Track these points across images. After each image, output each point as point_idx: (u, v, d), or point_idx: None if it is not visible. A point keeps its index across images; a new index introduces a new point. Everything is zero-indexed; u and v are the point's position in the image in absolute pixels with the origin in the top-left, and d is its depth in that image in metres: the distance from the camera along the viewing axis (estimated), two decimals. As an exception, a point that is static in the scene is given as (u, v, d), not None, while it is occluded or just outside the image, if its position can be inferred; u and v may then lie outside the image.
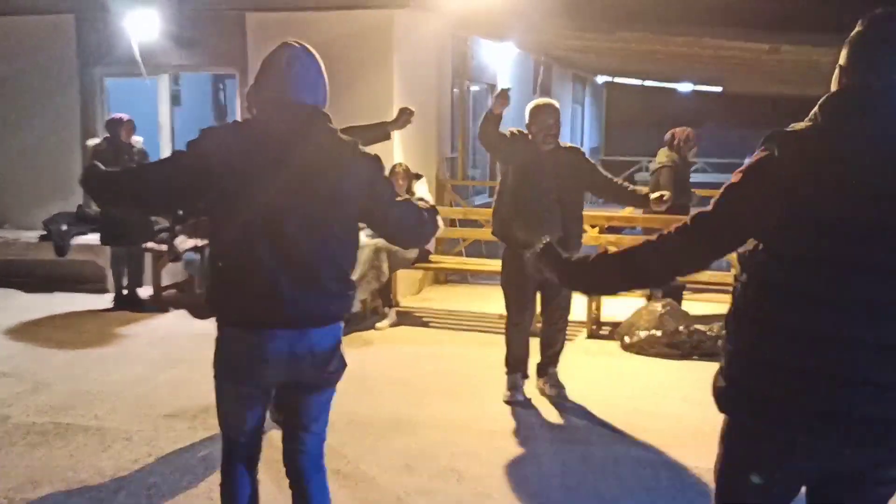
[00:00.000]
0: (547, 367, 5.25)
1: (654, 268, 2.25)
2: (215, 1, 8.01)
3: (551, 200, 4.83)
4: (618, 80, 19.99)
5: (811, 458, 2.04)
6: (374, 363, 5.97)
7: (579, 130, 19.44)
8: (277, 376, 2.69)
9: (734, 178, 2.07)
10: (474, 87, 10.76)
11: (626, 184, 5.32)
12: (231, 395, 2.76)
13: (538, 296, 5.13)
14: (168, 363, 5.79)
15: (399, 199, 2.81)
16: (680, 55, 9.25)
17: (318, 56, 2.71)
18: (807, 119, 2.02)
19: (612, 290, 2.51)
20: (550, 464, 4.28)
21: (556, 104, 5.12)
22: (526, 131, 4.96)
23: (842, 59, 2.07)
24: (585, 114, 20.08)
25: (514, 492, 3.93)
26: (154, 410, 4.91)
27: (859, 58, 2.03)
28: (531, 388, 5.26)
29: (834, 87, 2.06)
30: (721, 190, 2.09)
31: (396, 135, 7.99)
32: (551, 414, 4.98)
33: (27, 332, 6.71)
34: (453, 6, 8.01)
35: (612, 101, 22.74)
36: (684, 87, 19.44)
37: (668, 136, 7.48)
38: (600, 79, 20.08)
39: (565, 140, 5.19)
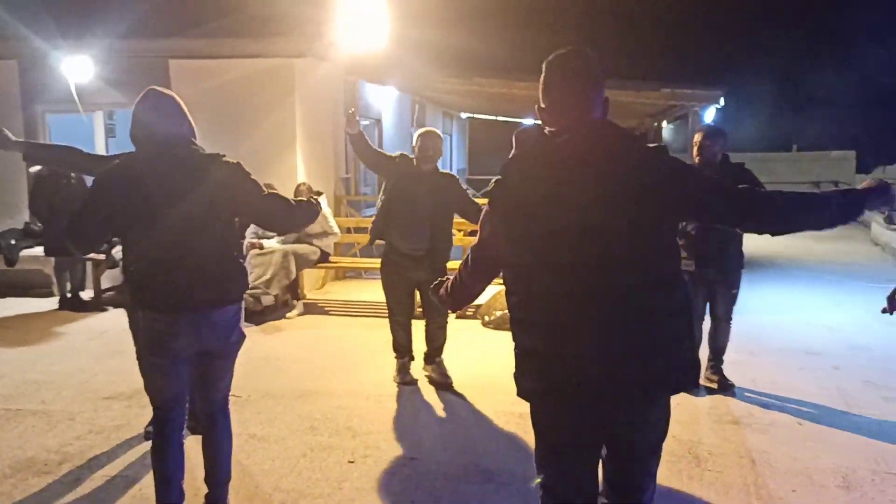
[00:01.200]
0: (433, 357, 4.94)
1: (461, 294, 2.34)
2: (141, 49, 7.62)
3: (423, 215, 4.60)
4: (478, 115, 20.28)
5: (565, 420, 2.01)
6: (284, 346, 5.84)
7: (448, 156, 19.59)
8: (189, 347, 2.73)
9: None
10: (363, 122, 10.67)
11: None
12: (154, 366, 2.79)
13: (417, 294, 4.88)
14: (107, 355, 5.46)
15: (266, 193, 2.85)
16: (522, 97, 9.46)
17: (176, 98, 2.78)
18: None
19: (455, 308, 2.56)
20: (427, 419, 4.30)
21: (439, 133, 4.90)
22: (412, 155, 4.79)
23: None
24: (453, 142, 20.26)
25: (396, 441, 3.92)
26: (95, 394, 4.63)
27: (552, 97, 1.99)
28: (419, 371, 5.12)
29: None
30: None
31: (300, 159, 7.88)
32: (423, 379, 4.99)
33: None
34: (343, 57, 7.94)
35: (473, 133, 23.06)
36: (527, 120, 19.93)
37: None
38: (464, 115, 20.32)
39: (438, 163, 5.04)
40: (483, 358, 5.53)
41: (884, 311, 2.76)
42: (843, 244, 11.57)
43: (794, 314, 6.89)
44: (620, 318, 1.89)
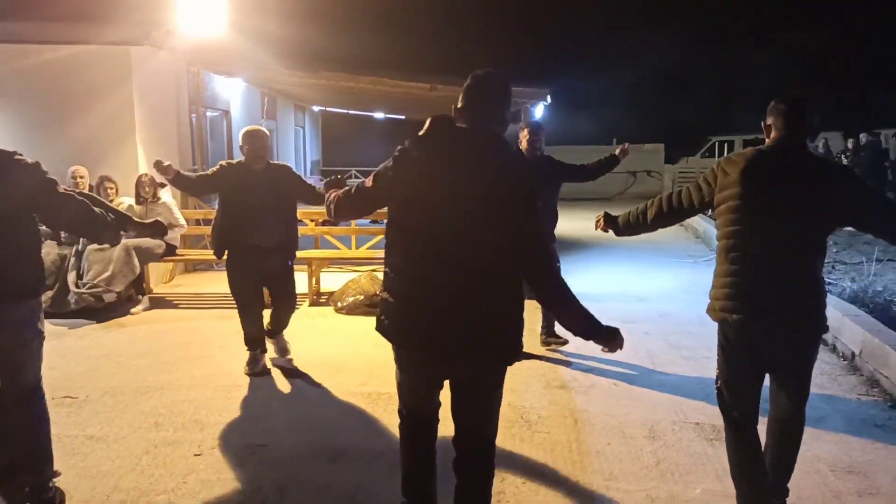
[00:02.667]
0: (274, 333, 4.86)
1: (341, 216, 2.55)
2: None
3: (271, 210, 4.47)
4: (329, 109, 19.89)
5: (425, 367, 2.37)
6: (127, 342, 5.42)
7: (302, 148, 19.06)
8: None
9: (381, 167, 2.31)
10: (210, 113, 10.10)
11: (322, 190, 5.16)
12: None
13: (265, 289, 4.82)
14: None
15: (69, 201, 2.75)
16: (369, 91, 9.40)
17: None
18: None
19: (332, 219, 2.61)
20: (276, 406, 4.17)
21: (265, 130, 4.71)
22: (234, 161, 4.67)
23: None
24: (306, 135, 19.73)
25: (246, 430, 3.77)
26: None
27: (468, 101, 2.33)
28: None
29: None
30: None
31: (141, 150, 7.31)
32: (276, 363, 4.84)
33: None
34: (183, 46, 7.45)
35: (326, 125, 22.62)
36: (378, 114, 19.83)
37: None
38: (316, 107, 19.84)
39: (291, 156, 5.03)
40: (335, 342, 5.46)
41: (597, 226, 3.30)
42: (654, 225, 12.59)
43: (611, 287, 7.40)
44: (474, 289, 2.22)
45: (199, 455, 3.45)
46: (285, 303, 4.76)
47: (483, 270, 2.22)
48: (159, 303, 6.74)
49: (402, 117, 19.85)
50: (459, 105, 2.33)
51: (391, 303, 2.31)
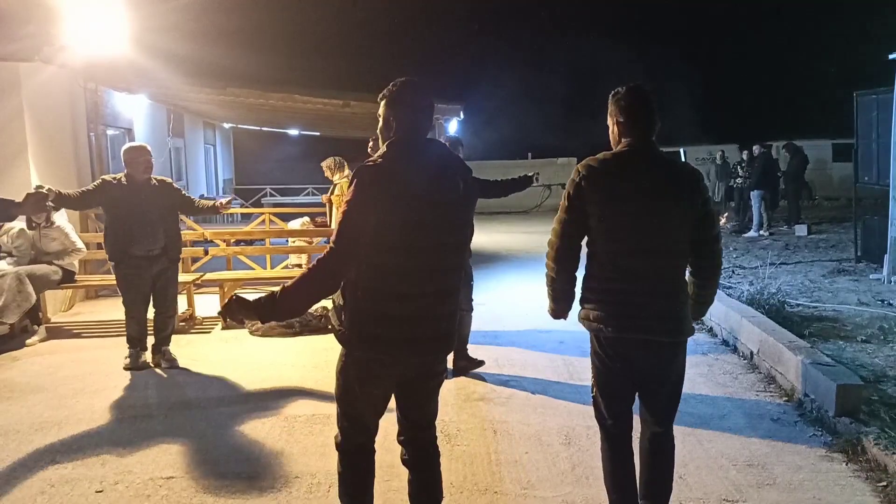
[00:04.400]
0: (160, 346, 5.24)
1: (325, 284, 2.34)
2: None
3: (153, 219, 4.94)
4: (242, 126, 19.45)
5: (396, 369, 2.39)
6: (20, 376, 5.08)
7: (212, 166, 18.52)
8: None
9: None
10: (111, 131, 9.67)
11: (201, 201, 5.65)
12: None
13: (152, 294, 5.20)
14: None
15: None
16: (281, 108, 9.28)
17: None
18: (377, 156, 2.30)
19: (294, 314, 2.47)
20: (187, 433, 3.97)
21: (147, 146, 5.12)
22: (117, 176, 5.04)
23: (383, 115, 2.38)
24: (218, 153, 19.19)
25: (154, 463, 3.59)
26: None
27: (399, 117, 2.34)
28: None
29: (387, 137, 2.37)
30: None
31: (34, 170, 6.92)
32: (186, 392, 4.67)
33: None
34: (77, 62, 7.11)
35: (238, 143, 22.10)
36: (293, 131, 19.56)
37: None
38: (227, 125, 19.36)
39: (201, 174, 5.22)
40: (249, 365, 5.31)
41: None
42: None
43: (527, 298, 7.55)
44: (439, 288, 2.35)
45: (100, 492, 3.27)
46: (164, 308, 5.19)
47: (446, 270, 2.36)
48: (57, 333, 6.36)
49: (317, 134, 19.67)
50: (392, 120, 2.36)
51: (362, 311, 2.31)
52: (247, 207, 17.33)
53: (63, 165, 7.58)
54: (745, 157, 13.60)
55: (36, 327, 6.22)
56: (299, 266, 8.41)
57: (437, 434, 2.60)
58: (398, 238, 2.22)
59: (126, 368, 5.12)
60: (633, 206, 2.47)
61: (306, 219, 9.69)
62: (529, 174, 5.29)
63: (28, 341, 5.97)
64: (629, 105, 2.54)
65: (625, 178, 2.50)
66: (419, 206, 2.23)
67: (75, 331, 6.50)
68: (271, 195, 21.05)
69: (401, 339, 2.30)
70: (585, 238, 2.61)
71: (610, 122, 2.63)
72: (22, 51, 6.43)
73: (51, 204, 4.36)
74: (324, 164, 8.02)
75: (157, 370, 5.18)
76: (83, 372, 5.16)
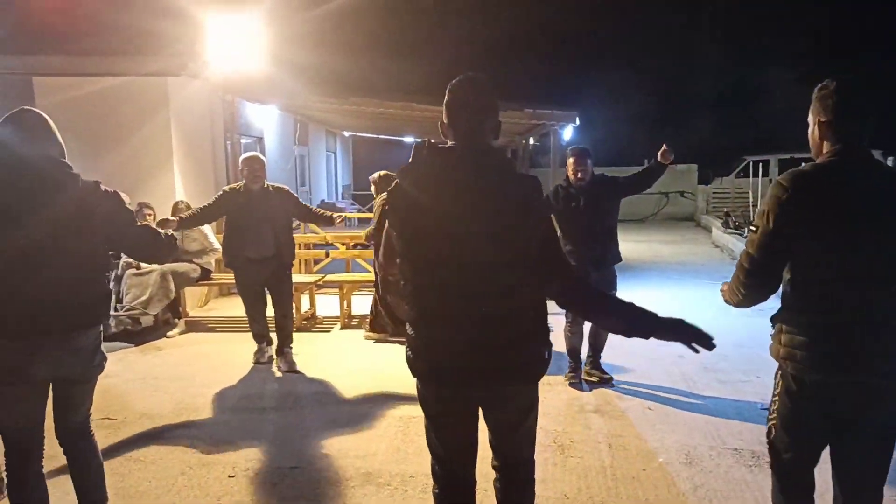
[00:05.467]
0: (282, 347, 5.40)
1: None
2: (2, 66, 7.01)
3: (265, 226, 5.14)
4: (360, 134, 20.19)
5: (473, 396, 2.18)
6: (163, 365, 5.53)
7: (333, 172, 19.37)
8: (47, 374, 2.52)
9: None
10: (244, 140, 10.35)
11: (318, 210, 5.87)
12: (8, 395, 2.48)
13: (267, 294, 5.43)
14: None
15: (139, 225, 2.77)
16: (399, 116, 9.53)
17: (42, 116, 2.59)
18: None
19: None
20: (308, 428, 4.18)
21: (261, 156, 5.35)
22: (237, 184, 5.35)
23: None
24: (338, 159, 20.07)
25: (278, 452, 3.80)
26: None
27: (450, 116, 2.08)
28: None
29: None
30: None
31: (178, 177, 7.52)
32: (307, 387, 4.89)
33: None
34: (218, 76, 7.67)
35: (356, 150, 22.97)
36: (408, 138, 20.07)
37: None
38: (347, 133, 20.17)
39: (322, 180, 5.44)
40: (365, 366, 5.49)
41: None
42: (687, 247, 12.48)
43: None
44: (493, 313, 2.05)
45: (233, 477, 3.50)
46: (283, 307, 5.38)
47: (498, 293, 2.04)
48: (195, 326, 6.87)
49: (431, 141, 20.03)
50: (445, 121, 2.11)
51: (413, 336, 2.18)
52: (363, 212, 17.96)
53: (202, 171, 8.20)
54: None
55: (176, 320, 6.77)
56: None
57: (532, 476, 2.33)
58: (420, 250, 2.07)
59: (255, 362, 5.46)
60: (851, 225, 2.01)
61: None
62: (661, 161, 4.79)
63: (169, 333, 6.50)
64: (842, 101, 2.06)
65: (840, 194, 2.02)
66: (441, 219, 2.01)
67: (210, 325, 6.99)
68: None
69: (448, 368, 2.12)
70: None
71: (812, 122, 2.16)
72: (171, 67, 7.03)
73: (171, 232, 4.64)
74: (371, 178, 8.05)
75: (277, 372, 5.34)
76: (217, 364, 5.55)
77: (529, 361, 2.14)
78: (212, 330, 6.82)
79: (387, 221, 2.17)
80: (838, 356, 2.05)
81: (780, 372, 2.23)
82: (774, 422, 2.24)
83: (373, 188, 7.62)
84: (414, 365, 2.21)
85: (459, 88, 2.08)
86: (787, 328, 2.15)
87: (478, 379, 2.11)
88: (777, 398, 2.24)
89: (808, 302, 2.09)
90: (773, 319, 2.22)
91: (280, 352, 5.41)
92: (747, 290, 2.19)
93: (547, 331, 2.20)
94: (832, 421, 2.14)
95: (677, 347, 2.15)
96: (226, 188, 5.41)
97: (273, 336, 5.54)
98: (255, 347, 5.54)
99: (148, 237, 2.76)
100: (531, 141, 14.61)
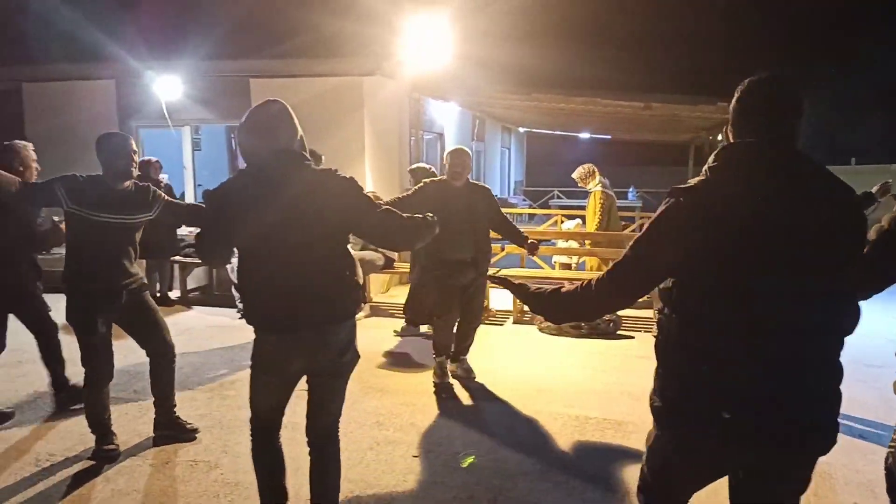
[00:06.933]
0: (459, 356, 5.05)
1: (591, 307, 2.01)
2: (223, 69, 7.91)
3: (465, 226, 4.60)
4: (535, 130, 20.20)
5: (737, 460, 1.81)
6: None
7: (507, 168, 19.58)
8: (301, 368, 2.55)
9: (648, 225, 1.81)
10: (427, 136, 10.79)
11: (512, 228, 5.03)
12: (264, 384, 2.60)
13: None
14: (191, 351, 5.66)
15: (380, 210, 2.55)
16: (579, 111, 9.39)
17: (288, 110, 2.53)
18: (701, 174, 1.81)
19: (558, 322, 2.27)
20: (485, 418, 4.29)
21: (467, 150, 4.84)
22: (439, 176, 4.84)
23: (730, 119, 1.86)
24: (511, 155, 20.25)
25: (457, 440, 3.92)
26: (180, 386, 4.76)
27: (741, 116, 1.82)
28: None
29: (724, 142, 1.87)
30: (637, 237, 1.82)
31: (368, 170, 8.01)
32: (482, 379, 4.99)
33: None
34: (408, 75, 8.05)
35: (531, 146, 23.00)
36: (583, 135, 19.71)
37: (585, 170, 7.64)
38: (522, 129, 20.27)
39: (496, 176, 5.19)
40: (538, 361, 5.49)
41: None
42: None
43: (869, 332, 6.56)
44: (801, 362, 1.71)
45: (416, 457, 3.67)
46: (470, 318, 4.91)
47: (814, 331, 1.71)
48: (377, 311, 7.30)
49: (608, 137, 19.52)
50: (741, 122, 1.84)
51: (686, 361, 1.77)
52: (534, 209, 17.97)
53: (388, 165, 8.67)
54: None
55: (363, 305, 7.24)
56: (568, 266, 8.47)
57: None
58: (717, 280, 1.70)
59: (435, 382, 4.82)
60: None
61: (578, 221, 9.69)
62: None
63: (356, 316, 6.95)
64: None
65: None
66: (750, 236, 1.68)
67: (390, 310, 7.39)
68: (558, 197, 21.50)
69: (740, 422, 1.70)
70: None
71: None
72: (367, 67, 7.50)
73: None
74: (575, 174, 7.87)
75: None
76: (398, 348, 5.85)
77: (819, 430, 1.78)
78: (391, 315, 7.20)
79: (658, 236, 1.80)
80: None
81: None
82: None
83: (580, 183, 7.65)
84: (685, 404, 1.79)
85: (769, 85, 1.82)
86: None
87: (752, 434, 1.74)
88: None
89: None
90: None
91: (456, 359, 5.08)
92: None
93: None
94: None
95: (893, 371, 1.85)
96: (426, 180, 4.91)
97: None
98: (435, 361, 4.90)
99: (395, 222, 2.56)
100: (720, 137, 13.68)
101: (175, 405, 3.99)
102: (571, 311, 2.06)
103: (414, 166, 6.45)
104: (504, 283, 2.23)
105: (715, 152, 1.82)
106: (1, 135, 8.49)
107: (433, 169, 6.52)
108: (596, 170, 7.71)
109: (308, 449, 2.74)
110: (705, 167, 1.81)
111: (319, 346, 2.50)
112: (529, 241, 4.94)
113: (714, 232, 1.69)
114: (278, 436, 2.75)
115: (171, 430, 3.90)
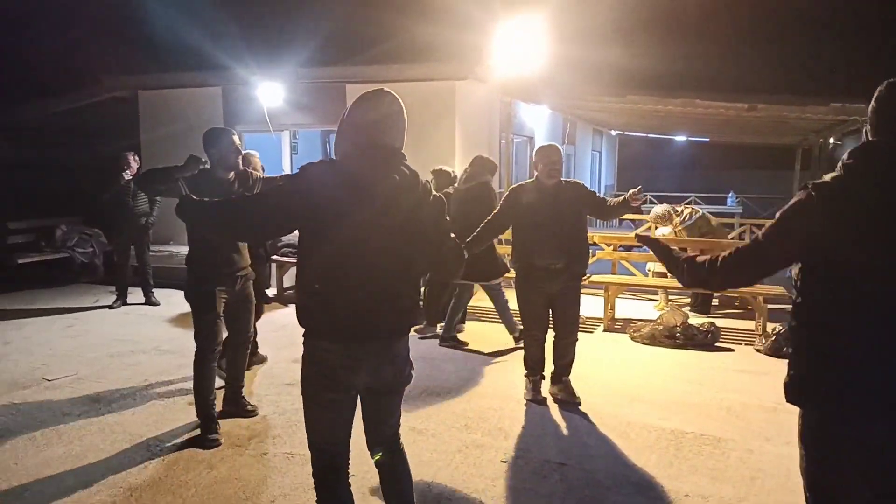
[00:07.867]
0: (560, 377, 4.64)
1: (716, 280, 2.08)
2: (322, 76, 8.19)
3: (556, 230, 4.34)
4: (627, 133, 19.72)
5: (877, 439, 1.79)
6: (438, 348, 5.99)
7: (597, 172, 19.20)
8: (364, 382, 2.33)
9: (779, 214, 1.92)
10: (517, 139, 10.75)
11: (612, 200, 4.53)
12: (323, 402, 2.34)
13: (550, 312, 4.58)
14: (286, 346, 5.87)
15: (452, 236, 2.45)
16: (676, 113, 9.09)
17: (400, 101, 2.42)
18: (836, 170, 1.85)
19: (686, 286, 2.34)
20: (575, 427, 4.22)
21: (559, 147, 4.55)
22: (526, 182, 4.61)
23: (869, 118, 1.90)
24: (602, 159, 19.84)
25: (546, 446, 3.89)
26: (277, 380, 5.01)
27: (880, 117, 1.86)
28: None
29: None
30: (769, 224, 1.96)
31: (459, 174, 8.06)
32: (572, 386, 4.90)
33: (183, 320, 6.90)
34: (499, 78, 8.05)
35: (622, 149, 22.46)
36: (679, 137, 19.05)
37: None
38: (614, 132, 19.84)
39: (586, 180, 5.10)
40: (630, 371, 5.35)
41: None
42: None
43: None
44: None
45: (504, 462, 3.65)
46: (566, 332, 4.56)
47: None
48: (466, 315, 7.32)
49: (706, 140, 18.80)
50: (878, 122, 1.87)
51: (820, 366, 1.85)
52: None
53: (479, 169, 8.70)
54: None
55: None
56: (663, 275, 8.18)
57: None
58: (845, 265, 1.77)
59: (527, 400, 4.60)
60: None
61: (667, 206, 9.38)
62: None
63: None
64: None
65: None
66: (882, 225, 1.73)
67: (478, 315, 7.39)
68: (651, 203, 20.87)
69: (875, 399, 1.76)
70: None
71: None
72: (459, 71, 7.57)
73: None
74: (651, 216, 7.71)
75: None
76: (487, 353, 5.85)
77: None
78: (479, 320, 7.20)
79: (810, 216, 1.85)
80: None
81: None
82: None
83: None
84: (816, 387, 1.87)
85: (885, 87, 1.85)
86: None
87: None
88: None
89: None
90: None
91: (558, 380, 4.65)
92: None
93: None
94: None
95: None
96: (514, 186, 4.65)
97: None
98: (525, 382, 4.69)
99: (458, 254, 2.44)
100: (831, 140, 12.88)
101: (243, 385, 4.31)
102: (699, 278, 2.17)
103: (437, 168, 6.32)
104: (647, 241, 2.39)
105: (850, 150, 1.86)
106: (120, 140, 9.17)
107: (454, 173, 6.53)
108: (673, 214, 7.66)
109: (375, 469, 2.56)
110: (839, 163, 1.87)
111: (385, 359, 2.32)
112: (630, 196, 4.32)
113: (844, 219, 1.78)
114: (347, 475, 2.48)
115: (234, 406, 4.26)
